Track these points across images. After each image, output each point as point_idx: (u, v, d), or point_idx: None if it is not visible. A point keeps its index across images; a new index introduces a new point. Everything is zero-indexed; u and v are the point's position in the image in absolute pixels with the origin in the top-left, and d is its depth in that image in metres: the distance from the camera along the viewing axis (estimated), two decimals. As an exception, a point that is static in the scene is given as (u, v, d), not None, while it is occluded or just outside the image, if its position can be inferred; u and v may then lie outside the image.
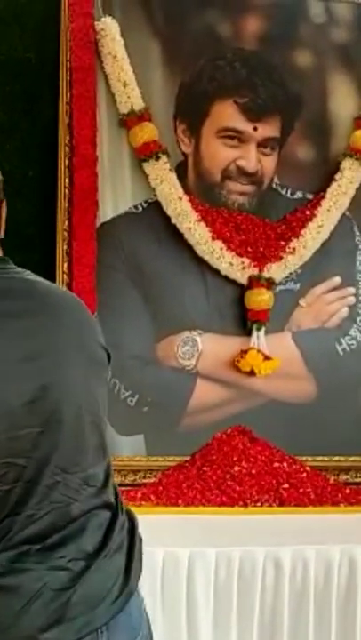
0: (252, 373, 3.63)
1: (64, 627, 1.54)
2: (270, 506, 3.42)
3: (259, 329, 3.66)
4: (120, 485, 3.51)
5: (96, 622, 1.57)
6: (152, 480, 3.56)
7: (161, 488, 3.50)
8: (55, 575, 1.55)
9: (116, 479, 3.53)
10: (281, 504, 3.41)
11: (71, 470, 1.60)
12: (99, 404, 1.69)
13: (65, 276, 3.46)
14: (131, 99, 3.60)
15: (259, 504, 3.43)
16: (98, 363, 1.71)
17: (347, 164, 3.77)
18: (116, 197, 3.67)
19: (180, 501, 3.44)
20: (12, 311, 1.58)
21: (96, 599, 1.58)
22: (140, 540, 1.77)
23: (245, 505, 3.41)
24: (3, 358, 1.53)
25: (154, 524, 3.33)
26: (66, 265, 3.48)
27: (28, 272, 1.70)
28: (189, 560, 2.97)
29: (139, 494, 3.48)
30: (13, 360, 1.54)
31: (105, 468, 1.71)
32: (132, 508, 3.35)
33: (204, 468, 3.54)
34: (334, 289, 3.80)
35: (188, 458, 3.60)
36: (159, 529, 3.32)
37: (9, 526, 1.54)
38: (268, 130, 3.74)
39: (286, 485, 3.46)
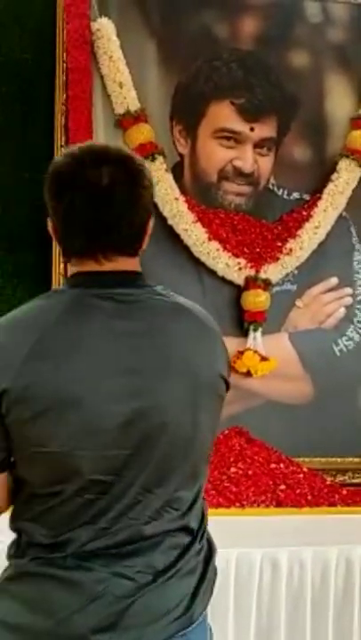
0: (248, 374, 3.62)
1: (116, 634, 1.54)
2: (267, 507, 3.40)
3: (255, 330, 3.65)
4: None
5: (148, 638, 1.56)
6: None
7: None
8: (119, 582, 1.55)
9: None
10: (278, 505, 3.40)
11: (155, 492, 1.58)
12: (199, 432, 1.62)
13: (61, 277, 3.45)
14: (127, 99, 3.60)
15: (256, 505, 3.41)
16: (209, 392, 1.64)
17: (343, 164, 3.76)
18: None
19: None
20: (125, 330, 1.56)
21: (154, 615, 1.57)
22: (215, 571, 1.73)
23: (242, 506, 3.40)
24: (102, 376, 1.53)
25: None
26: (62, 266, 3.47)
27: (161, 289, 1.68)
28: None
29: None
30: (112, 380, 1.53)
31: (194, 493, 1.66)
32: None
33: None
34: (331, 290, 3.79)
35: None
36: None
37: (83, 534, 1.56)
38: (265, 130, 3.74)
39: (283, 486, 3.45)
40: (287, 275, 3.75)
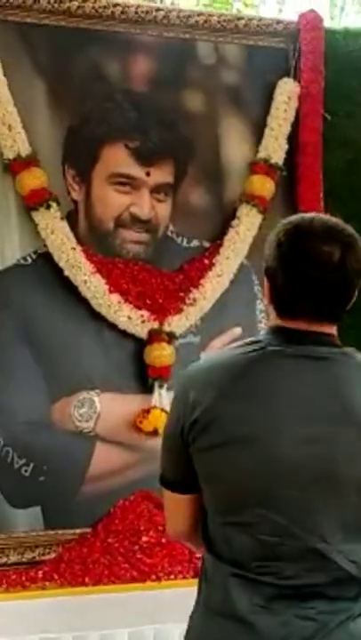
0: (155, 434, 3.39)
1: None
2: (185, 578, 3.18)
3: (161, 386, 3.44)
4: (17, 564, 3.27)
5: None
6: (52, 556, 3.27)
7: (63, 565, 3.21)
8: (301, 624, 1.65)
9: (12, 557, 3.28)
10: (196, 575, 3.16)
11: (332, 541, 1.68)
12: None
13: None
14: (17, 143, 3.34)
15: (172, 577, 3.19)
16: None
17: (244, 210, 3.63)
18: (2, 248, 3.39)
19: (86, 579, 3.16)
20: (311, 381, 1.71)
21: None
22: None
23: (158, 579, 3.17)
24: (283, 419, 1.68)
25: (59, 605, 3.08)
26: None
27: (351, 350, 1.78)
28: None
29: (40, 574, 3.18)
30: (292, 424, 1.67)
31: None
32: (35, 592, 3.11)
33: (109, 540, 3.28)
34: (235, 340, 3.62)
35: (90, 529, 3.33)
36: (65, 611, 3.07)
37: (274, 571, 1.68)
38: (161, 175, 3.56)
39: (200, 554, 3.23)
40: (190, 326, 3.56)
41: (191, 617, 1.83)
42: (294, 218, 1.82)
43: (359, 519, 1.69)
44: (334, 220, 1.80)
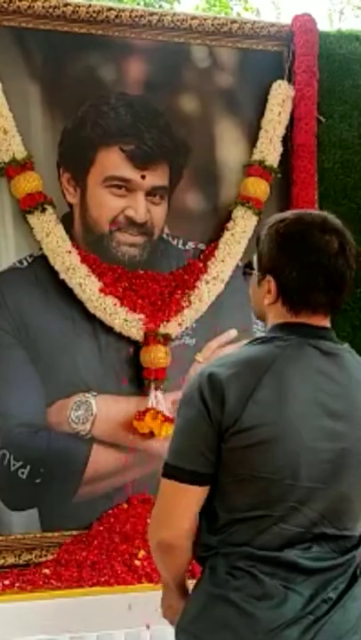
0: (151, 435, 3.40)
1: None
2: (189, 578, 3.17)
3: (157, 388, 3.45)
4: (14, 566, 3.27)
5: None
6: (49, 558, 3.28)
7: (60, 567, 3.21)
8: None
9: (9, 559, 3.29)
10: (193, 576, 3.17)
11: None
12: None
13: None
14: (12, 146, 3.36)
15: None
16: None
17: (239, 212, 3.64)
18: (-2, 252, 3.40)
19: (82, 581, 3.15)
20: (331, 380, 1.81)
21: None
22: None
23: (154, 580, 3.16)
24: (310, 417, 1.76)
25: (56, 607, 3.07)
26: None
27: (349, 347, 1.90)
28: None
29: (36, 576, 3.18)
30: (318, 422, 1.77)
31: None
32: (32, 593, 3.10)
33: (106, 542, 3.28)
34: (231, 342, 3.63)
35: (86, 531, 3.34)
36: (62, 612, 3.07)
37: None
38: (157, 178, 3.57)
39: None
40: (186, 328, 3.57)
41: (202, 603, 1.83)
42: (284, 215, 1.88)
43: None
44: (320, 212, 1.91)
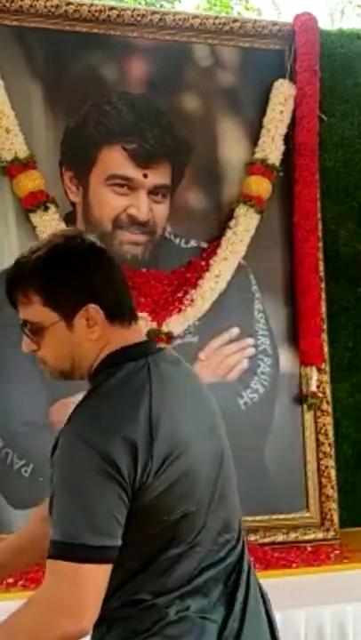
0: (154, 433, 3.40)
1: None
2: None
3: (159, 387, 3.44)
4: (17, 566, 3.27)
5: None
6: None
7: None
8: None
9: (13, 558, 3.28)
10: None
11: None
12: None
13: None
14: (14, 145, 3.37)
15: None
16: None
17: (241, 211, 3.64)
18: (0, 250, 3.40)
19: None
20: (192, 391, 1.65)
21: None
22: None
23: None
24: (198, 435, 1.58)
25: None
26: None
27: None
28: None
29: (40, 574, 3.15)
30: (204, 438, 1.59)
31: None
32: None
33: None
34: (233, 340, 3.64)
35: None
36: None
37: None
38: (159, 177, 3.58)
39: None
40: (188, 326, 3.57)
41: None
42: (59, 238, 1.59)
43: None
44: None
